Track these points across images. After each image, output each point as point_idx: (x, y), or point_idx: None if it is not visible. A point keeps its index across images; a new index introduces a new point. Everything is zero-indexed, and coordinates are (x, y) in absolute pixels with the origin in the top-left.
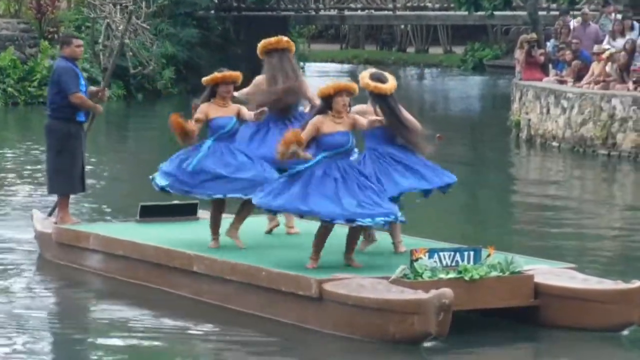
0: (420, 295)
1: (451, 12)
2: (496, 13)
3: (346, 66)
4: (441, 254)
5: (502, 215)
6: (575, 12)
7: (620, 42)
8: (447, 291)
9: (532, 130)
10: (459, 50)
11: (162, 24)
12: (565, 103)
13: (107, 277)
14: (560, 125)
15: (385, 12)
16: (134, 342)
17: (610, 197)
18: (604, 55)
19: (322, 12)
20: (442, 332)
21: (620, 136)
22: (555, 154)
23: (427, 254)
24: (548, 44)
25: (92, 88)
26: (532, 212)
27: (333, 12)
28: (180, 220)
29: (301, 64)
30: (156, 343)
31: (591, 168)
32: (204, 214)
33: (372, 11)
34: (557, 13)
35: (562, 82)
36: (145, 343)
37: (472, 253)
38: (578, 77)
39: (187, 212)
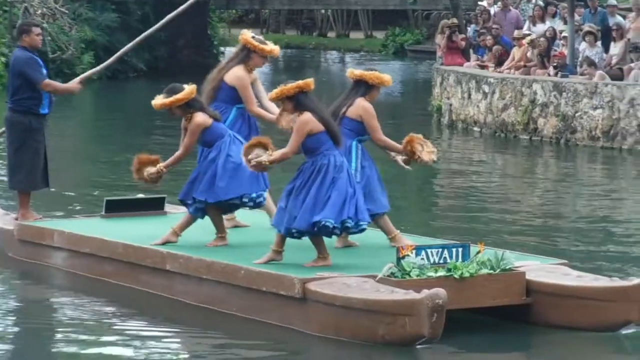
0: (412, 295)
1: None
2: None
3: None
4: (429, 250)
5: (424, 201)
6: None
7: (540, 28)
8: (440, 291)
9: (453, 115)
10: (380, 35)
11: (81, 8)
12: (486, 88)
13: (73, 274)
14: (481, 110)
15: None
16: (103, 344)
17: (531, 182)
18: (525, 41)
19: None
20: (435, 334)
21: (542, 121)
22: (477, 139)
23: (414, 251)
24: (469, 29)
25: None
26: (455, 197)
27: None
28: (147, 215)
29: (222, 49)
30: (127, 345)
31: (513, 153)
32: (172, 209)
33: None
34: None
35: (483, 67)
36: (116, 346)
37: (460, 249)
38: (499, 62)
39: (154, 206)
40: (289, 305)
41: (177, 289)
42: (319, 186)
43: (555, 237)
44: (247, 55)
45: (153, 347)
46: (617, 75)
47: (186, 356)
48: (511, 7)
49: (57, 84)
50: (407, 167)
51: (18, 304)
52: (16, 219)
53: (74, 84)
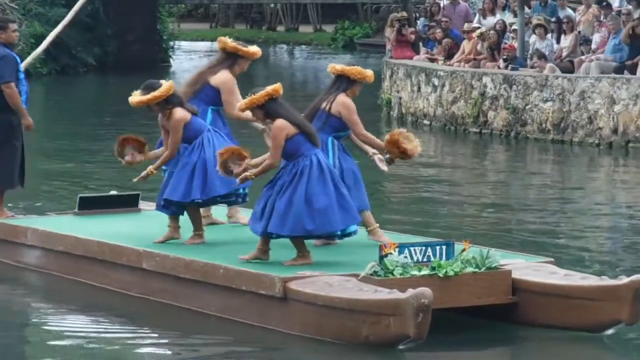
0: (397, 295)
1: None
2: None
3: (216, 45)
4: (412, 248)
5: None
6: None
7: (490, 20)
8: (425, 291)
9: (403, 108)
10: (329, 28)
11: (31, 3)
12: (436, 81)
13: (46, 274)
14: (431, 103)
15: None
16: (77, 346)
17: (482, 174)
18: (475, 34)
19: None
20: (420, 334)
21: (492, 114)
22: (426, 133)
23: (397, 249)
24: (418, 22)
25: None
26: (404, 190)
27: None
28: (121, 212)
29: (171, 43)
30: (103, 348)
31: (463, 146)
32: (146, 205)
33: None
34: None
35: (432, 60)
36: (91, 348)
37: (444, 247)
38: (448, 55)
39: (128, 203)
40: (269, 305)
41: (153, 288)
42: (305, 190)
43: (507, 231)
44: (234, 61)
45: (128, 349)
46: (568, 68)
47: (163, 357)
48: (460, 1)
49: (17, 97)
50: (384, 168)
51: None
52: None
53: (29, 120)
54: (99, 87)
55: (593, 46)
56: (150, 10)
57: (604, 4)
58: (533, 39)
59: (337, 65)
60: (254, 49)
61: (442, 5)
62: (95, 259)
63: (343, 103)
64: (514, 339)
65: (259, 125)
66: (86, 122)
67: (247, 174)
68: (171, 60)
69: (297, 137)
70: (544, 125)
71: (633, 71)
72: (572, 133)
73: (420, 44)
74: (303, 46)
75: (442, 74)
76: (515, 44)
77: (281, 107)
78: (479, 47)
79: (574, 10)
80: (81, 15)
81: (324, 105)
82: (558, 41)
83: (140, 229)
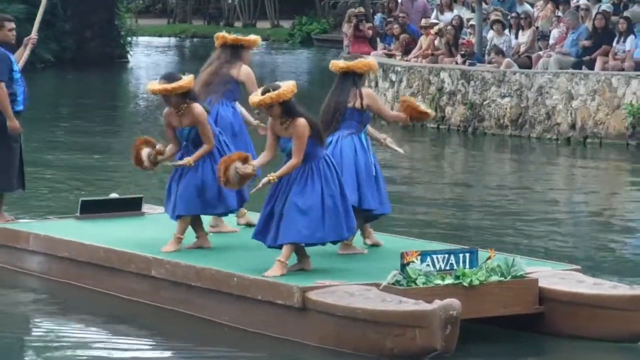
0: (423, 306)
1: None
2: None
3: (173, 40)
4: (434, 256)
5: None
6: None
7: (448, 16)
8: (454, 302)
9: None
10: (286, 24)
11: None
12: (393, 77)
13: (48, 280)
14: (388, 98)
15: None
16: (81, 356)
17: (439, 170)
18: (432, 30)
19: None
20: (448, 347)
21: (449, 109)
22: (384, 128)
23: (419, 257)
24: (376, 17)
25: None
26: None
27: None
28: (125, 215)
29: (129, 39)
30: (108, 358)
31: (421, 141)
32: (149, 209)
33: None
34: None
35: (390, 55)
36: (96, 358)
37: (467, 255)
38: (406, 50)
39: (131, 207)
40: (287, 315)
41: (163, 296)
42: (321, 194)
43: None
44: (239, 54)
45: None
46: (526, 63)
47: None
48: None
49: (5, 99)
50: (401, 150)
51: None
52: None
53: (15, 123)
54: (56, 83)
55: (551, 42)
56: (108, 7)
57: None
58: (491, 34)
59: (339, 62)
60: (255, 37)
61: (399, 0)
62: (101, 265)
63: (368, 95)
64: (541, 350)
65: (252, 120)
66: (44, 119)
67: (270, 177)
68: (129, 56)
69: (311, 139)
70: (501, 121)
71: (591, 67)
72: (529, 129)
73: (378, 39)
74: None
75: (399, 69)
76: (473, 40)
77: (298, 106)
78: (436, 42)
79: (532, 5)
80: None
81: (351, 103)
82: (517, 37)
83: (146, 233)
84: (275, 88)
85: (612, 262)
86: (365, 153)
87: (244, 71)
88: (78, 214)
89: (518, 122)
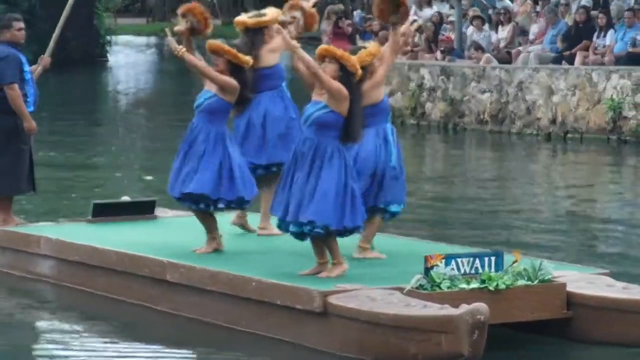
0: (450, 310)
1: None
2: None
3: (152, 39)
4: (459, 260)
5: None
6: None
7: (427, 12)
8: (481, 306)
9: None
10: None
11: None
12: None
13: (60, 285)
14: None
15: None
16: None
17: (419, 167)
18: (412, 27)
19: None
20: (476, 353)
21: (429, 105)
22: None
23: (443, 261)
24: (355, 14)
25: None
26: None
27: None
28: (138, 219)
29: (108, 38)
30: None
31: (401, 138)
32: (162, 212)
33: None
34: None
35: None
36: None
37: (493, 259)
38: None
39: (144, 210)
40: (307, 320)
41: (178, 301)
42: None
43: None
44: (263, 34)
45: None
46: (505, 58)
47: None
48: None
49: (19, 99)
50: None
51: None
52: None
53: (32, 123)
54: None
55: (531, 37)
56: (87, 6)
57: None
58: (470, 30)
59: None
60: (272, 11)
61: None
62: (113, 270)
63: None
64: (569, 357)
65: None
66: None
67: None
68: (108, 55)
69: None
70: (482, 117)
71: (571, 61)
72: (510, 124)
73: (357, 36)
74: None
75: None
76: (453, 36)
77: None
78: (416, 39)
79: (512, 1)
80: (18, 11)
81: None
82: (497, 32)
83: (159, 237)
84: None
85: (593, 256)
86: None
87: (272, 56)
88: (90, 217)
89: (498, 117)
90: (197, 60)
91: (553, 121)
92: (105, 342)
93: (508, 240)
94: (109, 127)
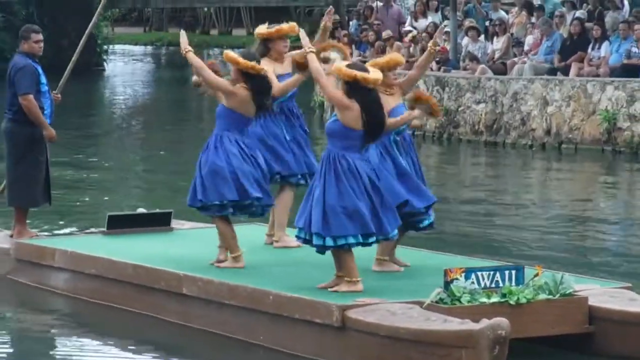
0: (470, 325)
1: None
2: None
3: (150, 48)
4: (479, 273)
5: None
6: None
7: (422, 23)
8: (502, 321)
9: None
10: None
11: None
12: None
13: (75, 298)
14: None
15: None
16: None
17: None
18: (407, 38)
19: None
20: None
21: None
22: None
23: (463, 274)
24: (351, 24)
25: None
26: None
27: None
28: (153, 231)
29: (105, 47)
30: None
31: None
32: (178, 224)
33: None
34: None
35: (364, 62)
36: None
37: (514, 272)
38: None
39: (160, 222)
40: (326, 335)
41: (195, 315)
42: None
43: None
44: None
45: None
46: (500, 69)
47: None
48: (393, 3)
49: (36, 109)
50: None
51: (13, 334)
52: (11, 236)
53: (51, 131)
54: None
55: (526, 48)
56: (84, 15)
57: (536, 6)
58: (465, 41)
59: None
60: (287, 26)
61: (374, 8)
62: (129, 283)
63: None
64: None
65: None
66: None
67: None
68: (105, 64)
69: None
70: (476, 127)
71: (566, 73)
72: (505, 135)
73: (353, 46)
74: (236, 49)
75: None
76: (448, 47)
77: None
78: (411, 49)
79: (507, 12)
80: (16, 19)
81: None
82: (492, 43)
83: (175, 249)
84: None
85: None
86: None
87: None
88: (105, 229)
89: (493, 128)
90: (198, 60)
91: (548, 132)
92: (120, 357)
93: (522, 254)
94: (105, 137)
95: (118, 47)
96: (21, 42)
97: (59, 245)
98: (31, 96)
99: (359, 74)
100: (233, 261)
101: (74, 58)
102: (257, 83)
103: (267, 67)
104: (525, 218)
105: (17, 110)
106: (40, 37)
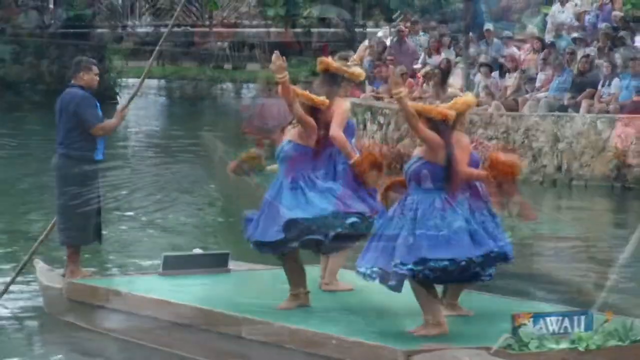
0: None
1: (268, 29)
2: (312, 30)
3: (163, 82)
4: (547, 319)
5: None
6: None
7: (436, 59)
8: None
9: None
10: None
11: None
12: (381, 119)
13: (129, 342)
14: (376, 141)
15: (202, 29)
16: None
17: None
18: (420, 74)
19: (138, 30)
20: None
21: None
22: None
23: (531, 320)
24: (365, 61)
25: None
26: None
27: (149, 29)
28: (210, 272)
29: (118, 80)
30: None
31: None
32: (236, 266)
33: (189, 27)
34: (373, 30)
35: (378, 98)
36: None
37: (583, 318)
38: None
39: (216, 263)
40: None
41: (254, 359)
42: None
43: None
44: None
45: None
46: (512, 106)
47: None
48: (407, 39)
49: (108, 124)
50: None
51: None
52: (63, 275)
53: (119, 114)
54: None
55: (537, 84)
56: (97, 48)
57: (548, 43)
58: (478, 77)
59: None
60: (358, 70)
61: (387, 44)
62: (186, 325)
63: None
64: None
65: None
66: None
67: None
68: (118, 97)
69: None
70: None
71: (577, 109)
72: None
73: (366, 82)
74: (250, 84)
75: (387, 112)
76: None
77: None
78: (424, 85)
79: (519, 49)
80: (27, 52)
81: None
82: (504, 79)
83: (233, 291)
84: None
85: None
86: None
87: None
88: (160, 270)
89: None
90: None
91: (559, 168)
92: None
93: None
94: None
95: (131, 81)
96: (79, 73)
97: (112, 286)
98: (101, 124)
99: (450, 113)
100: (294, 299)
101: (133, 93)
102: (321, 116)
103: None
104: (530, 253)
105: (69, 145)
106: (98, 70)
